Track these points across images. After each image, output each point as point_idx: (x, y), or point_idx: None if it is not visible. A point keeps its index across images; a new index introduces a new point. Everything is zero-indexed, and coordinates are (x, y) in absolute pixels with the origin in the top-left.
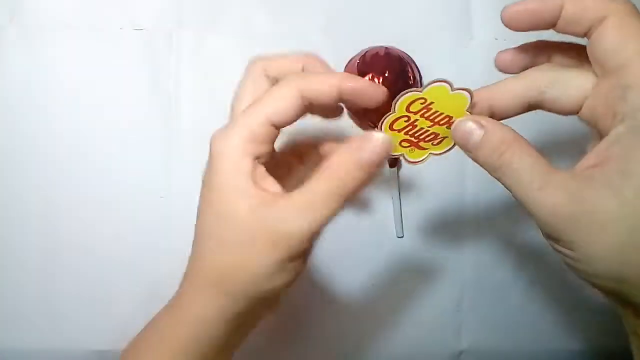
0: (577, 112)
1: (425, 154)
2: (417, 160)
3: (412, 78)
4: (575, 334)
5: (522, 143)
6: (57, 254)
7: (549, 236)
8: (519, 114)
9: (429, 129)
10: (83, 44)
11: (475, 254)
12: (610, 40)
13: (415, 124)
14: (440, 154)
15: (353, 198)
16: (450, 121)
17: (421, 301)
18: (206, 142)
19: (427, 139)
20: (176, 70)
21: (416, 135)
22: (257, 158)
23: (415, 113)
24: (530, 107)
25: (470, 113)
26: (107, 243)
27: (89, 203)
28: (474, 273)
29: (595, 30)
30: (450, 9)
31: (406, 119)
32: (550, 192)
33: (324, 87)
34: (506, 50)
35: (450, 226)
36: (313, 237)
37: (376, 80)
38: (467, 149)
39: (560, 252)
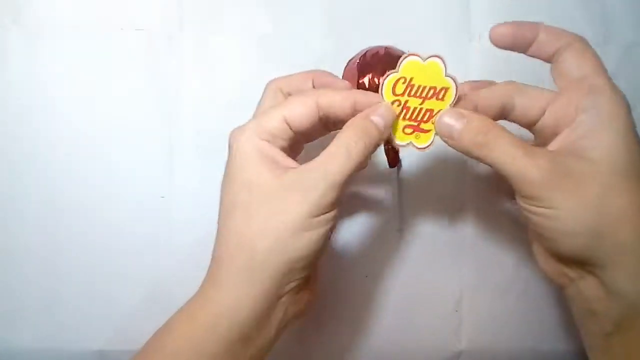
0: (537, 121)
1: (431, 135)
2: (426, 145)
3: None
4: (574, 334)
5: (500, 126)
6: (58, 253)
7: (530, 197)
8: (495, 118)
9: (421, 106)
10: (85, 44)
11: (474, 254)
12: (574, 60)
13: (407, 105)
14: None
15: (370, 151)
16: (436, 91)
17: (420, 301)
18: (207, 142)
19: (425, 119)
20: (177, 70)
21: (413, 117)
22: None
23: (402, 94)
24: (503, 111)
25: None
26: (108, 242)
27: (90, 203)
28: (473, 273)
29: (561, 55)
30: (450, 10)
31: (397, 103)
32: (535, 157)
33: (337, 98)
34: (501, 24)
35: (450, 226)
36: (336, 187)
37: (376, 80)
38: (452, 137)
39: (538, 214)
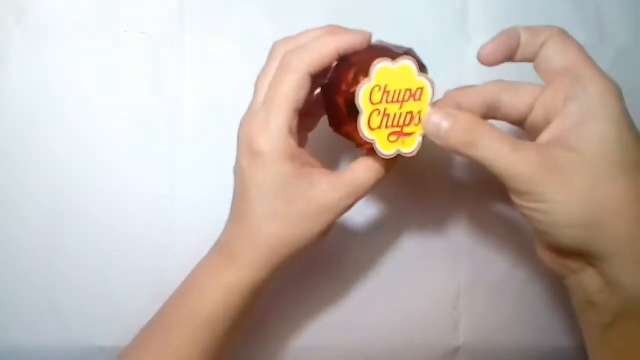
0: (527, 118)
1: (415, 138)
2: (412, 150)
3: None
4: (571, 331)
5: (487, 123)
6: (60, 253)
7: (521, 193)
8: (483, 117)
9: (401, 111)
10: (88, 46)
11: (472, 251)
12: (557, 51)
13: (387, 112)
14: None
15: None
16: (412, 92)
17: (418, 298)
18: (209, 143)
19: (407, 122)
20: (180, 72)
21: (395, 123)
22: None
23: (380, 102)
24: (489, 109)
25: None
26: (111, 241)
27: (91, 202)
28: (471, 270)
29: (543, 49)
30: (448, 12)
31: (377, 112)
32: (523, 152)
33: (327, 54)
34: (485, 44)
35: (447, 225)
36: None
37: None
38: (440, 137)
39: (531, 209)
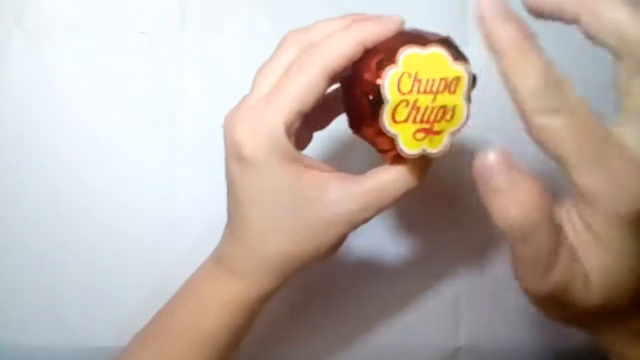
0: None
1: (444, 137)
2: (440, 150)
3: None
4: (573, 332)
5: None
6: (60, 253)
7: None
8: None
9: (434, 104)
10: (87, 46)
11: (472, 251)
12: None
13: (418, 105)
14: (458, 129)
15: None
16: (447, 83)
17: (418, 298)
18: (209, 143)
19: (439, 118)
20: (180, 72)
21: (425, 118)
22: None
23: (410, 92)
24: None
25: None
26: (111, 241)
27: (93, 202)
28: (471, 270)
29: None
30: (447, 14)
31: (405, 103)
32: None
33: (347, 51)
34: None
35: (448, 223)
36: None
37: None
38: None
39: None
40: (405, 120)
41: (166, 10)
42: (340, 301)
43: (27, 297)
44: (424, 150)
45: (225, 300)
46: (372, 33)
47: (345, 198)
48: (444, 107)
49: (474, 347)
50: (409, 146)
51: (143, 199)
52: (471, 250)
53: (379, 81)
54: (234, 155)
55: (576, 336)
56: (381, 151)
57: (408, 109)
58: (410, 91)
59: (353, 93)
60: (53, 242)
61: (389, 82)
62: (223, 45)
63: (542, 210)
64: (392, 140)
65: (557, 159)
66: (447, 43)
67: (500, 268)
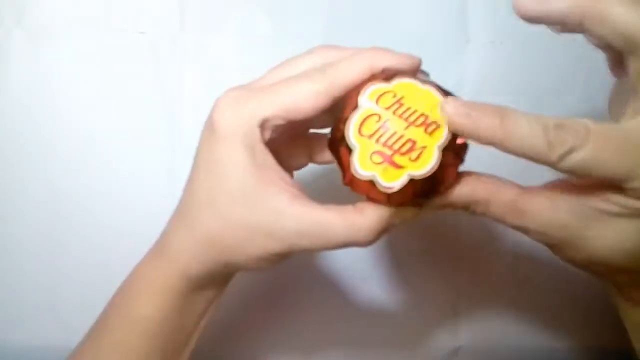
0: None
1: (402, 174)
2: (390, 185)
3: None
4: (572, 332)
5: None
6: (60, 253)
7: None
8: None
9: (404, 132)
10: (87, 46)
11: (471, 251)
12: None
13: (387, 124)
14: (420, 176)
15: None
16: (427, 122)
17: (418, 298)
18: None
19: (403, 151)
20: (179, 73)
21: (390, 144)
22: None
23: (387, 108)
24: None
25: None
26: (111, 241)
27: (93, 202)
28: (470, 270)
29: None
30: (447, 12)
31: (377, 118)
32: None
33: (352, 76)
34: None
35: (447, 223)
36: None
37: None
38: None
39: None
40: (370, 136)
41: (166, 10)
42: (340, 301)
43: (27, 298)
44: (373, 176)
45: (153, 283)
46: (387, 60)
47: (284, 214)
48: (413, 142)
49: (474, 347)
50: (362, 165)
51: (143, 198)
52: (471, 250)
53: (363, 87)
54: (208, 123)
55: (574, 336)
56: (342, 168)
57: (377, 125)
58: (387, 108)
59: (334, 138)
60: (53, 243)
61: (372, 90)
62: (223, 45)
63: None
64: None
65: (608, 181)
66: (444, 91)
67: (499, 268)
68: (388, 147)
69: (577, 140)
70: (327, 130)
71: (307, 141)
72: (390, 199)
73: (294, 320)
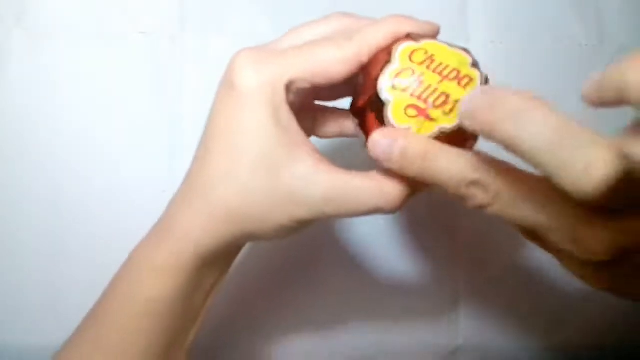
0: None
1: (433, 127)
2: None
3: None
4: (571, 331)
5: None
6: (60, 251)
7: None
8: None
9: (438, 86)
10: (88, 46)
11: (472, 251)
12: None
13: (422, 78)
14: (450, 129)
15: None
16: (459, 76)
17: (417, 297)
18: None
19: (437, 104)
20: (179, 72)
21: (424, 97)
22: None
23: (420, 64)
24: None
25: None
26: (111, 240)
27: (93, 202)
28: (470, 269)
29: None
30: (447, 11)
31: (410, 72)
32: None
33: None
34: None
35: (447, 223)
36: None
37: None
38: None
39: None
40: (404, 90)
41: (166, 10)
42: (339, 301)
43: (28, 297)
44: (409, 129)
45: (160, 263)
46: (410, 26)
47: (310, 179)
48: (446, 95)
49: (473, 346)
50: (396, 117)
51: (143, 198)
52: (470, 250)
53: (394, 46)
54: (227, 81)
55: (574, 336)
56: (366, 131)
57: (412, 78)
58: (420, 63)
59: (357, 108)
60: (53, 243)
61: (403, 48)
62: (223, 45)
63: None
64: (381, 118)
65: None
66: (472, 55)
67: (499, 267)
68: (423, 101)
69: (486, 199)
70: (330, 104)
71: (312, 113)
72: None
73: (291, 320)
